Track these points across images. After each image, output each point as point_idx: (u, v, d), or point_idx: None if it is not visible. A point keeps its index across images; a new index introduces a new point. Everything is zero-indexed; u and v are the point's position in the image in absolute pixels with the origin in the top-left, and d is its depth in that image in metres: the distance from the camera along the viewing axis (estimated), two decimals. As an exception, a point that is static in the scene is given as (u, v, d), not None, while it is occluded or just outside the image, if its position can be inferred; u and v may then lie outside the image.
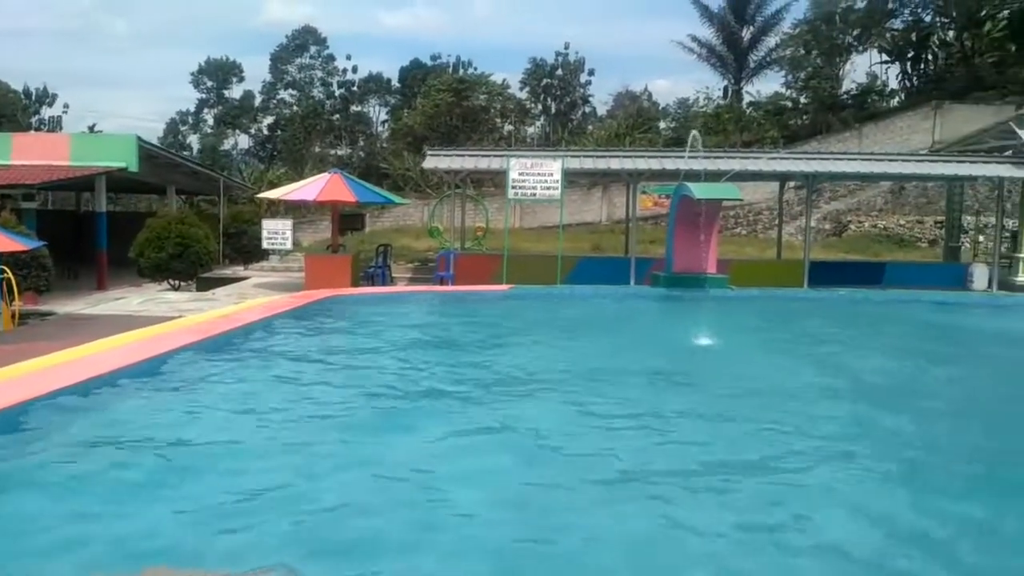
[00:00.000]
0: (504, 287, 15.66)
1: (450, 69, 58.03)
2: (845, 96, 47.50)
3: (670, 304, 14.50)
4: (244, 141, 65.93)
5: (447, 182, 20.10)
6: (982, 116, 32.33)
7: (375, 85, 63.84)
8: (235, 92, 66.47)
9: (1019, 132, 18.33)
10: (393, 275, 20.47)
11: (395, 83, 63.63)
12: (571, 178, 26.56)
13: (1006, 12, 43.75)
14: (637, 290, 16.61)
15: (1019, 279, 18.28)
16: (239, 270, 24.66)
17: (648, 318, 13.79)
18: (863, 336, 12.03)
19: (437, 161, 19.25)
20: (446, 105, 46.31)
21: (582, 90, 58.41)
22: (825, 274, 18.24)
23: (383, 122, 63.92)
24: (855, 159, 20.10)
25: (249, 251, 24.91)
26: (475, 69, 57.02)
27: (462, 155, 19.69)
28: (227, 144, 64.65)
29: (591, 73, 58.02)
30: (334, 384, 7.37)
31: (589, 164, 19.45)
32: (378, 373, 7.75)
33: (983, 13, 44.16)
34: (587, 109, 59.54)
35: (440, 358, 8.92)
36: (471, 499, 4.43)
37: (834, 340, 11.38)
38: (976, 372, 9.36)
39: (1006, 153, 19.09)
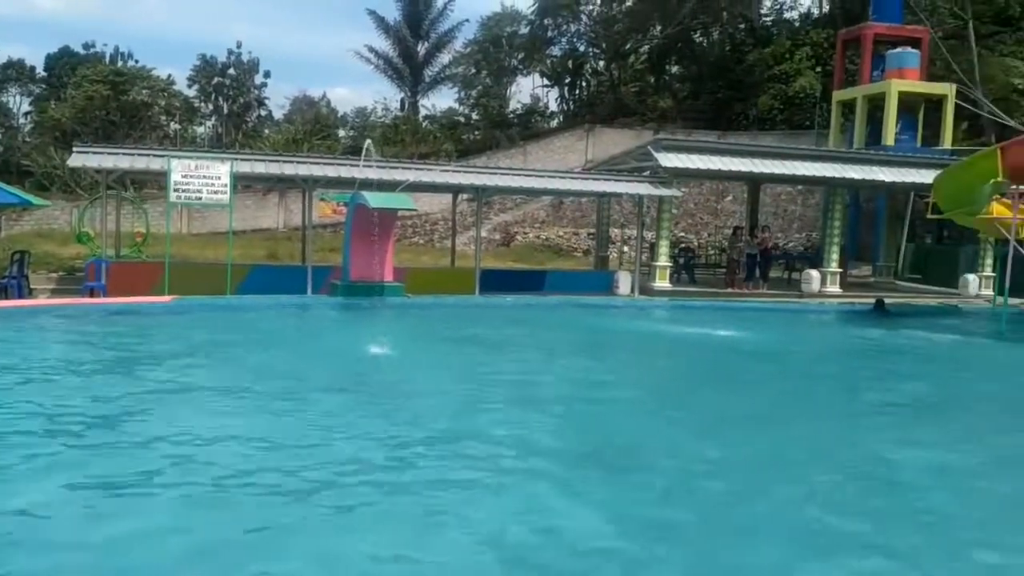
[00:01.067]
0: (166, 298, 14.50)
1: (106, 60, 53.05)
2: (512, 115, 50.77)
3: (345, 313, 14.40)
4: None
5: (101, 182, 18.19)
6: (626, 139, 36.26)
7: (16, 72, 56.54)
8: None
9: (655, 155, 20.68)
10: (32, 286, 18.06)
11: (40, 71, 56.81)
12: (245, 182, 25.43)
13: (647, 47, 49.60)
14: (314, 299, 16.22)
15: (656, 285, 20.62)
16: None
17: (321, 327, 13.61)
18: (518, 337, 12.99)
19: (86, 159, 17.31)
20: (101, 99, 42.13)
21: (257, 92, 56.45)
22: (495, 281, 19.17)
23: (25, 114, 56.79)
24: (520, 175, 21.42)
25: None
26: (136, 62, 52.76)
27: (116, 153, 17.88)
28: None
29: (267, 75, 56.33)
30: None
31: (262, 168, 18.66)
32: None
33: (628, 47, 49.66)
34: (263, 112, 57.64)
35: (62, 388, 7.83)
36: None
37: (492, 341, 12.28)
38: (604, 360, 10.83)
39: (645, 173, 21.45)
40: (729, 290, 21.58)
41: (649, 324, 15.91)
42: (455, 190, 21.93)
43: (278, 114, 57.85)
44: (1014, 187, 15.22)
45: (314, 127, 45.81)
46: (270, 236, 32.70)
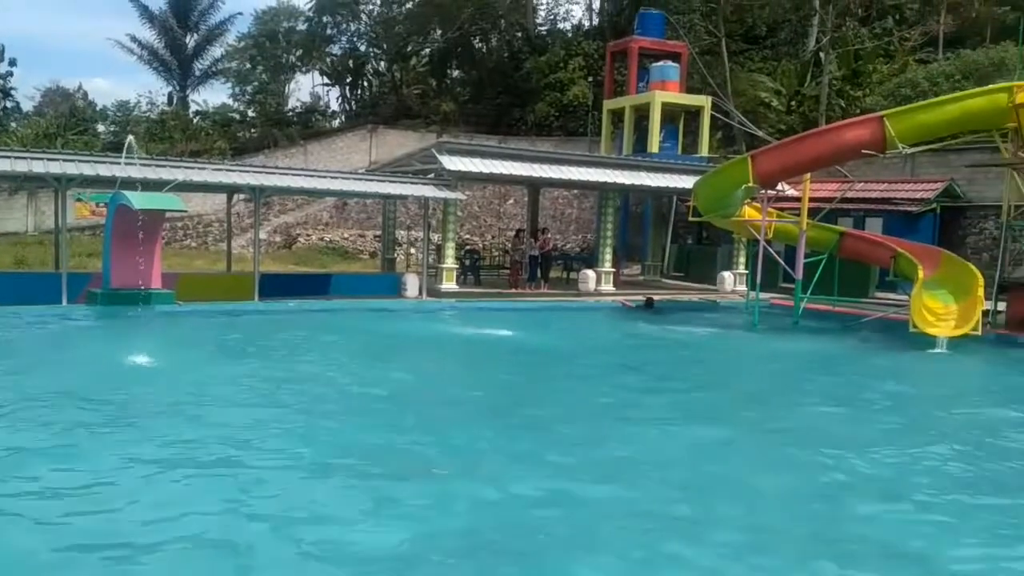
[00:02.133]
0: None
1: None
2: (291, 113, 49.25)
3: (103, 323, 13.32)
4: None
5: None
6: (410, 141, 36.28)
7: None
8: None
9: (439, 158, 20.79)
10: None
11: None
12: (-16, 181, 22.78)
13: (428, 50, 49.88)
14: (68, 310, 14.80)
15: (443, 287, 20.75)
16: None
17: (77, 341, 12.49)
18: (296, 344, 12.71)
19: None
20: None
21: (2, 82, 50.87)
22: (276, 286, 18.43)
23: None
24: (300, 175, 20.73)
25: None
26: None
27: None
28: None
29: (12, 63, 50.87)
30: None
31: (7, 166, 16.74)
32: None
33: (409, 49, 49.69)
34: (9, 104, 52.02)
35: None
36: None
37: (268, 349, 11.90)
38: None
39: (429, 176, 21.52)
40: (513, 290, 22.15)
41: (435, 326, 16.00)
42: (230, 190, 20.85)
43: (27, 106, 52.52)
44: (763, 191, 16.76)
45: (69, 121, 42.07)
46: (18, 240, 29.65)
